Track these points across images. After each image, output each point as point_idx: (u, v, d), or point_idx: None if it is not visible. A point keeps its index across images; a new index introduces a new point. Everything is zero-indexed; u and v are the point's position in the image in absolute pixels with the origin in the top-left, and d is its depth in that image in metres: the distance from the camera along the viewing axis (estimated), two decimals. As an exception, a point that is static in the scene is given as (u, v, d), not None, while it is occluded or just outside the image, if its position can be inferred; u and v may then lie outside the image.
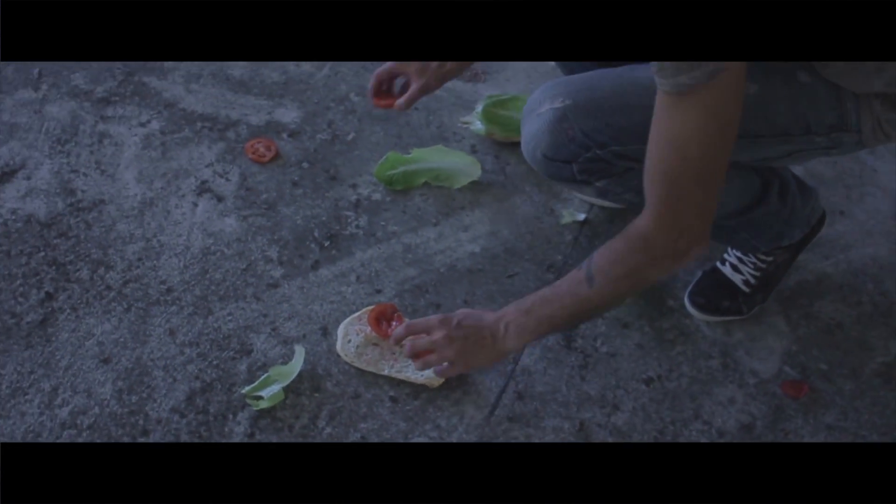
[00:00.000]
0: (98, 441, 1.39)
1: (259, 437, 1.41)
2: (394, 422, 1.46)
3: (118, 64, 2.06)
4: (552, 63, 2.04)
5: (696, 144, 1.09)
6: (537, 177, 1.90)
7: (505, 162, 1.93)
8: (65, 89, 1.99)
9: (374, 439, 1.43)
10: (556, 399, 1.52)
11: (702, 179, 1.15)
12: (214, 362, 1.51)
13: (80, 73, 2.03)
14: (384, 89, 1.66)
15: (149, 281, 1.62)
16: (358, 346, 1.52)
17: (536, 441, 1.45)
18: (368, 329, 1.53)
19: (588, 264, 1.29)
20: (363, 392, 1.49)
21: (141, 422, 1.42)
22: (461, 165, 1.84)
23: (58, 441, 1.38)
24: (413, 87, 1.61)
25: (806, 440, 1.51)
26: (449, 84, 2.08)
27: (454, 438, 1.44)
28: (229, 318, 1.58)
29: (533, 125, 1.35)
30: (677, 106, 1.06)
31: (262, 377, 1.48)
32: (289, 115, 1.99)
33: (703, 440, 1.49)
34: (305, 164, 1.88)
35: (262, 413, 1.44)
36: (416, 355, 1.43)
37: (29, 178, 1.78)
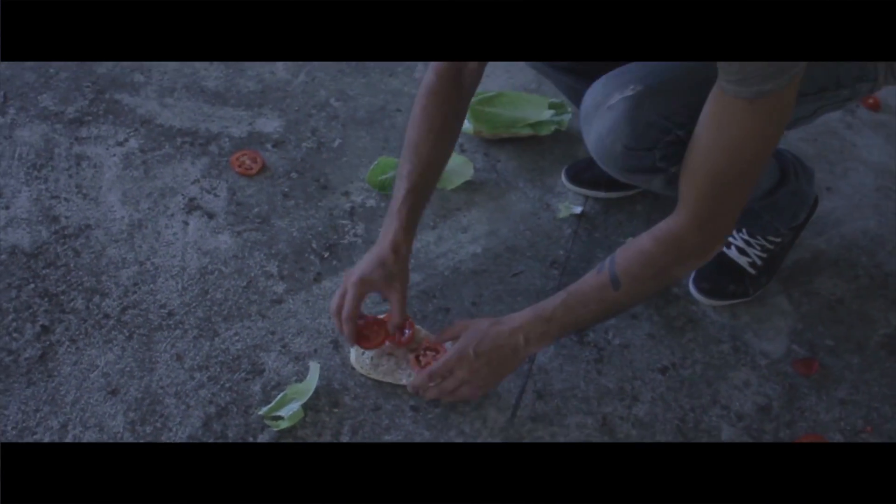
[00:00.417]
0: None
1: (282, 459, 1.38)
2: (417, 431, 1.43)
3: (86, 82, 1.99)
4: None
5: (751, 147, 1.11)
6: (529, 172, 1.89)
7: (495, 159, 1.92)
8: (33, 112, 1.92)
9: (399, 451, 1.40)
10: (576, 395, 1.51)
11: (742, 182, 1.17)
12: (227, 385, 1.47)
13: (47, 94, 1.96)
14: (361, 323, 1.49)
15: (148, 306, 1.57)
16: (373, 358, 1.49)
17: (562, 439, 1.44)
18: None
19: (610, 267, 1.28)
20: (383, 403, 1.46)
21: (158, 453, 1.37)
22: (453, 166, 1.82)
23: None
24: (394, 300, 1.44)
25: (822, 417, 1.52)
26: (430, 83, 2.07)
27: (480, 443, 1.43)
28: (236, 338, 1.53)
29: (606, 119, 1.32)
30: (746, 110, 1.07)
31: (279, 396, 1.44)
32: (270, 124, 1.95)
33: (724, 425, 1.49)
34: (294, 175, 1.84)
35: (283, 433, 1.41)
36: (446, 394, 1.41)
37: (7, 208, 1.71)
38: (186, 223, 1.71)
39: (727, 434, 1.48)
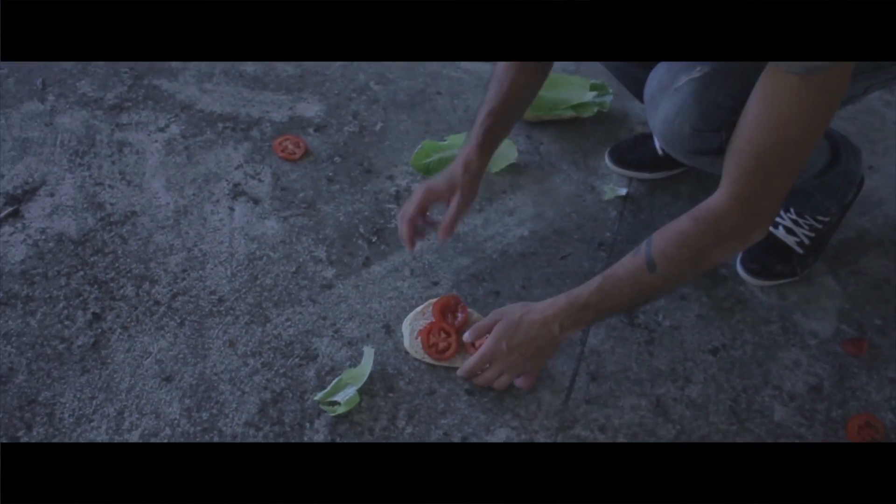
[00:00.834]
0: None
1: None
2: (473, 415, 1.43)
3: (124, 68, 1.99)
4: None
5: (799, 126, 1.09)
6: (573, 155, 1.88)
7: (538, 142, 1.91)
8: (73, 98, 1.91)
9: (456, 434, 1.40)
10: (629, 377, 1.51)
11: (788, 163, 1.15)
12: (281, 371, 1.47)
13: (85, 81, 1.95)
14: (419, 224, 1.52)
15: (198, 292, 1.57)
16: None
17: (616, 421, 1.44)
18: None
19: (647, 249, 1.27)
20: (437, 388, 1.46)
21: (216, 439, 1.37)
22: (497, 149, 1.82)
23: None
24: (452, 204, 1.47)
25: (873, 397, 1.52)
26: (469, 65, 2.07)
27: (535, 426, 1.42)
28: (288, 323, 1.53)
29: (674, 101, 1.31)
30: (798, 87, 1.05)
31: (334, 382, 1.44)
32: (311, 108, 1.94)
33: (777, 405, 1.49)
34: (337, 159, 1.83)
35: (340, 419, 1.41)
36: (490, 384, 1.44)
37: (52, 195, 1.71)
38: (232, 209, 1.71)
39: (779, 414, 1.48)
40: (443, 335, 1.49)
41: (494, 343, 1.39)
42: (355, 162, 1.83)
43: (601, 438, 1.42)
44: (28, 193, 1.71)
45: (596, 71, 1.92)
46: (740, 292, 1.66)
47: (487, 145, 1.48)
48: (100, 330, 1.50)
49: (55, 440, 1.35)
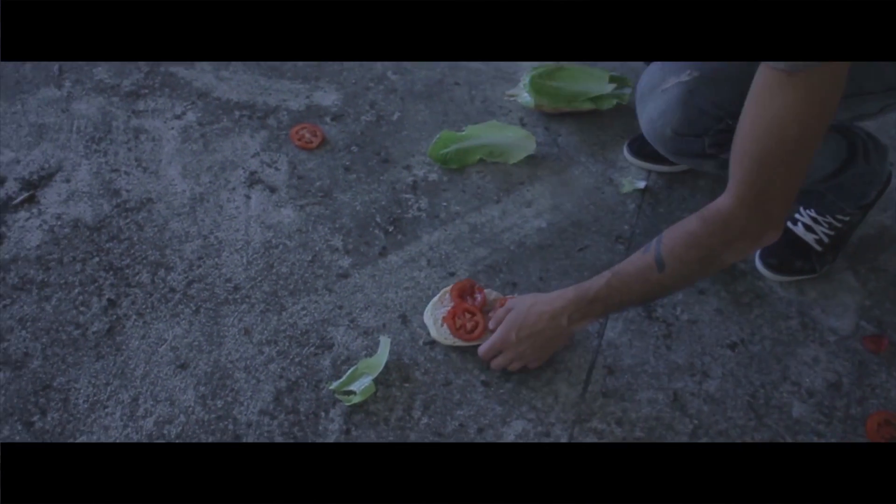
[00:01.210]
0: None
1: (355, 433, 1.37)
2: (489, 406, 1.42)
3: (140, 55, 1.98)
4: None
5: (797, 125, 1.07)
6: (591, 147, 1.87)
7: (556, 133, 1.89)
8: (89, 85, 1.91)
9: (472, 426, 1.40)
10: (646, 371, 1.50)
11: (792, 163, 1.13)
12: (296, 359, 1.46)
13: (102, 67, 1.95)
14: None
15: (213, 280, 1.56)
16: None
17: (633, 415, 1.43)
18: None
19: (657, 247, 1.26)
20: (454, 378, 1.46)
21: (231, 426, 1.37)
22: (515, 140, 1.81)
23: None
24: None
25: (893, 394, 1.51)
26: (487, 56, 2.05)
27: (552, 418, 1.41)
28: (303, 312, 1.53)
29: (659, 102, 1.31)
30: (786, 84, 1.04)
31: (349, 371, 1.44)
32: (328, 97, 1.93)
33: (795, 401, 1.48)
34: (354, 148, 1.82)
35: (355, 408, 1.40)
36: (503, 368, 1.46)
37: (68, 181, 1.70)
38: (248, 197, 1.70)
39: (798, 411, 1.46)
40: (468, 315, 1.49)
41: (504, 332, 1.42)
42: (372, 151, 1.82)
43: (618, 432, 1.41)
44: (44, 179, 1.70)
45: (615, 63, 1.90)
46: (759, 287, 1.64)
47: None
48: (115, 316, 1.50)
49: (69, 426, 1.35)
